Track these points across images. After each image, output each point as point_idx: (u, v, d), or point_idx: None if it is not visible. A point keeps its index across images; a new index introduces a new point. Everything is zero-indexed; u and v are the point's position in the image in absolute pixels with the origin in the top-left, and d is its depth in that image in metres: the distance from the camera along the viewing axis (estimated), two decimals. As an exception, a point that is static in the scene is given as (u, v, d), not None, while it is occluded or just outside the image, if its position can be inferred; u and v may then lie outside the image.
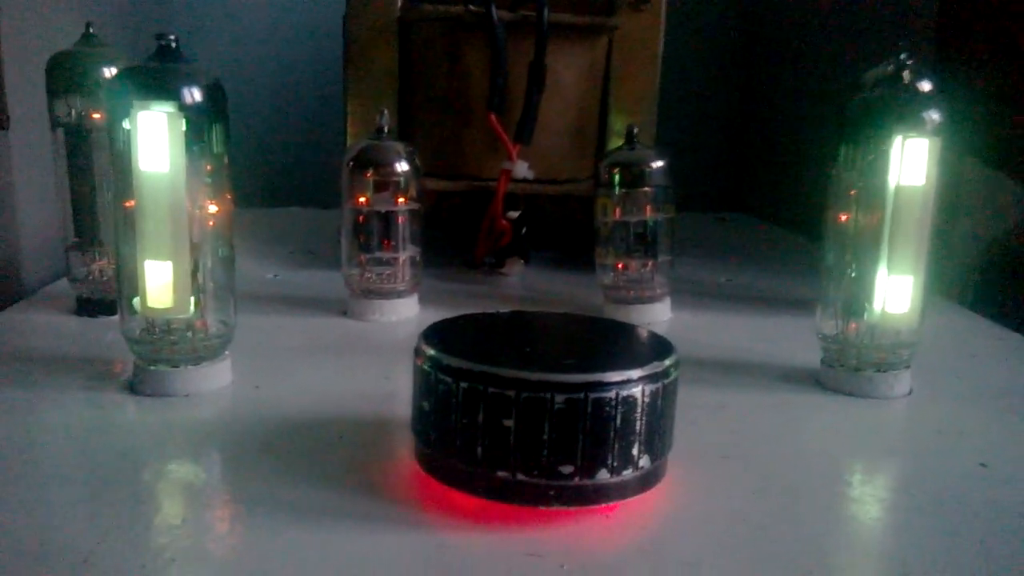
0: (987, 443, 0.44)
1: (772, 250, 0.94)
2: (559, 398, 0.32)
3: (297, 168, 1.12)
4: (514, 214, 0.74)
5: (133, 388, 0.47)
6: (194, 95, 0.44)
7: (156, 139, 0.43)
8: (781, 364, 0.54)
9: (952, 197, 0.72)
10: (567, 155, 0.76)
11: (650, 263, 0.63)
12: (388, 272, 0.63)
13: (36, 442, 0.41)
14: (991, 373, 0.55)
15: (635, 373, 0.34)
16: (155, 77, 0.44)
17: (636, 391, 0.33)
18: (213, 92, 0.45)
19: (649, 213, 0.63)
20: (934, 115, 0.47)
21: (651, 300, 0.64)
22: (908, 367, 0.50)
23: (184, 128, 0.44)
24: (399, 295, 0.63)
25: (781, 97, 1.14)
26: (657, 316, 0.64)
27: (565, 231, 0.76)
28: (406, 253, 0.62)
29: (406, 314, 0.63)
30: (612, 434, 0.33)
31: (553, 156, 0.75)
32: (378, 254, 0.62)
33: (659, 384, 0.34)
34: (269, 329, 0.59)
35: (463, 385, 0.33)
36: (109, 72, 0.58)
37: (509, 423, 0.33)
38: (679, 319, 0.65)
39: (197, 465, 0.39)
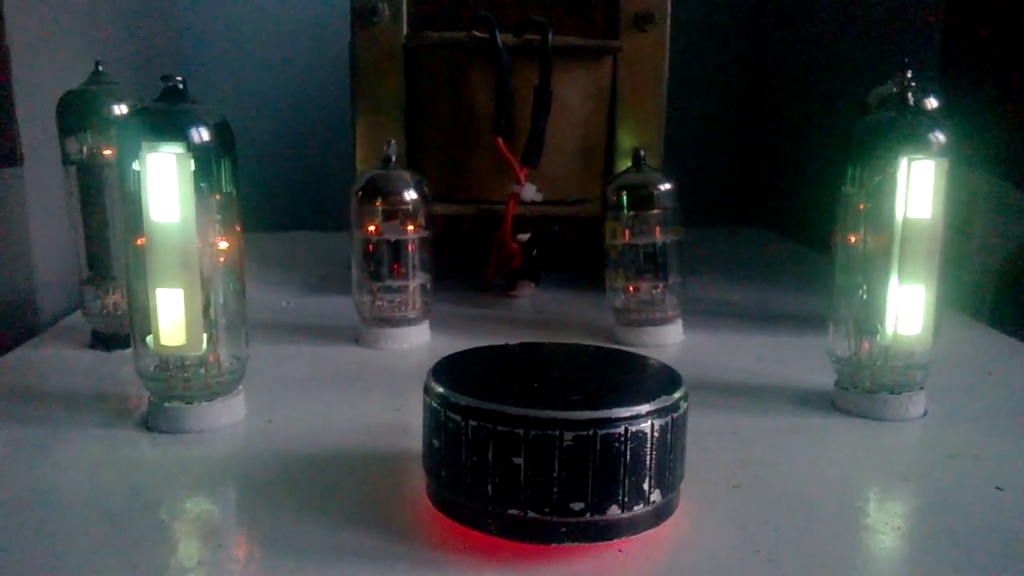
0: (1003, 466, 0.44)
1: (786, 265, 0.93)
2: (568, 435, 0.32)
3: (306, 193, 1.13)
4: (524, 237, 0.74)
5: (148, 425, 0.47)
6: (202, 135, 0.44)
7: (165, 180, 0.44)
8: (796, 386, 0.54)
9: (965, 212, 0.72)
10: (575, 176, 0.76)
11: (660, 285, 0.63)
12: (399, 300, 0.63)
13: (52, 481, 0.42)
14: (1007, 392, 0.55)
15: (644, 408, 0.33)
16: (163, 119, 0.44)
17: (645, 426, 0.33)
18: (220, 131, 0.45)
19: (658, 235, 0.63)
20: (940, 136, 0.46)
21: (662, 322, 0.63)
22: (922, 388, 0.50)
23: (193, 168, 0.44)
24: (410, 322, 0.63)
25: (792, 108, 1.14)
26: (669, 338, 0.63)
27: (575, 252, 0.76)
28: (416, 281, 0.63)
29: (417, 341, 0.63)
30: (622, 470, 0.33)
31: (561, 178, 0.75)
32: (388, 282, 0.62)
33: (668, 418, 0.34)
34: (281, 359, 0.59)
35: (472, 423, 0.34)
36: (119, 110, 0.58)
37: (519, 461, 0.33)
38: (691, 341, 0.64)
39: (212, 504, 0.40)
